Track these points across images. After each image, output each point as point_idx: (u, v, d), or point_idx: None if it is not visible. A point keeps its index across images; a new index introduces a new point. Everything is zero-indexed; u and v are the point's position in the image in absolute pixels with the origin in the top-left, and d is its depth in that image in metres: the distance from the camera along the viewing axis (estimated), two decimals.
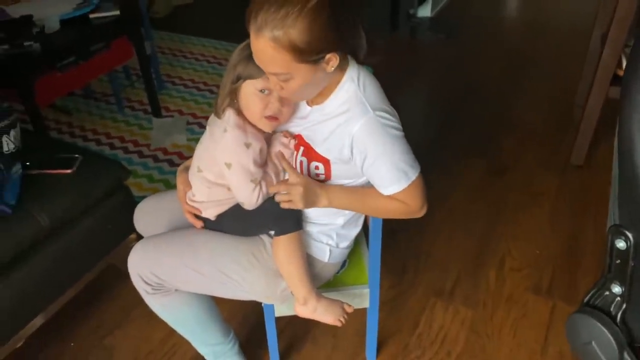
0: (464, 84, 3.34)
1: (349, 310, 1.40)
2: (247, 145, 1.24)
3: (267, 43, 1.08)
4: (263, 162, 1.28)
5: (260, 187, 1.26)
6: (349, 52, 1.21)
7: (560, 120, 2.94)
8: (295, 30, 1.05)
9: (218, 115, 1.27)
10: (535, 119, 2.97)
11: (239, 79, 1.22)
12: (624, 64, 2.32)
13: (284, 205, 1.27)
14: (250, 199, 1.26)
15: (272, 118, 1.24)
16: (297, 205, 1.26)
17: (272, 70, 1.13)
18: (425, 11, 4.21)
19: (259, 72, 1.19)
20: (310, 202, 1.28)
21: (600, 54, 2.36)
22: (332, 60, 1.13)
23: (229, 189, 1.32)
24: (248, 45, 1.16)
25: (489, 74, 3.45)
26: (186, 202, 1.40)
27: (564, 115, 2.97)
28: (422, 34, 4.09)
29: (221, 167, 1.26)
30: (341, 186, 1.31)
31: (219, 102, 1.26)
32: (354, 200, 1.31)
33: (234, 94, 1.25)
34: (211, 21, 4.26)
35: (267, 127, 1.26)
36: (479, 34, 3.98)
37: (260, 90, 1.21)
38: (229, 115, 1.25)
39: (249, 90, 1.23)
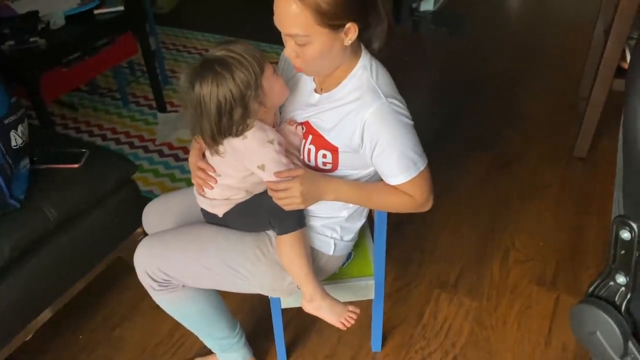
0: (467, 78, 3.34)
1: (353, 314, 1.37)
2: (271, 142, 1.23)
3: (292, 1, 1.09)
4: (285, 153, 1.28)
5: None
6: (366, 31, 1.20)
7: (563, 113, 2.94)
8: None
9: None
10: (538, 111, 2.97)
11: (247, 94, 1.17)
12: (628, 56, 2.32)
13: (285, 208, 1.26)
14: None
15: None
16: (298, 205, 1.25)
17: (292, 30, 1.13)
18: (428, 5, 4.19)
19: (257, 72, 1.17)
20: (313, 197, 1.27)
21: (603, 46, 2.36)
22: (351, 31, 1.14)
23: (247, 191, 1.32)
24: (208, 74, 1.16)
25: (492, 67, 3.45)
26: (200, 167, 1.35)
27: (568, 108, 2.96)
28: (425, 27, 4.08)
29: (255, 171, 1.25)
30: (347, 180, 1.31)
31: (236, 128, 1.20)
32: (360, 193, 1.31)
33: (249, 111, 1.19)
34: (215, 16, 4.25)
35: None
36: (482, 27, 3.97)
37: (274, 73, 1.22)
38: None
39: (268, 80, 1.20)
